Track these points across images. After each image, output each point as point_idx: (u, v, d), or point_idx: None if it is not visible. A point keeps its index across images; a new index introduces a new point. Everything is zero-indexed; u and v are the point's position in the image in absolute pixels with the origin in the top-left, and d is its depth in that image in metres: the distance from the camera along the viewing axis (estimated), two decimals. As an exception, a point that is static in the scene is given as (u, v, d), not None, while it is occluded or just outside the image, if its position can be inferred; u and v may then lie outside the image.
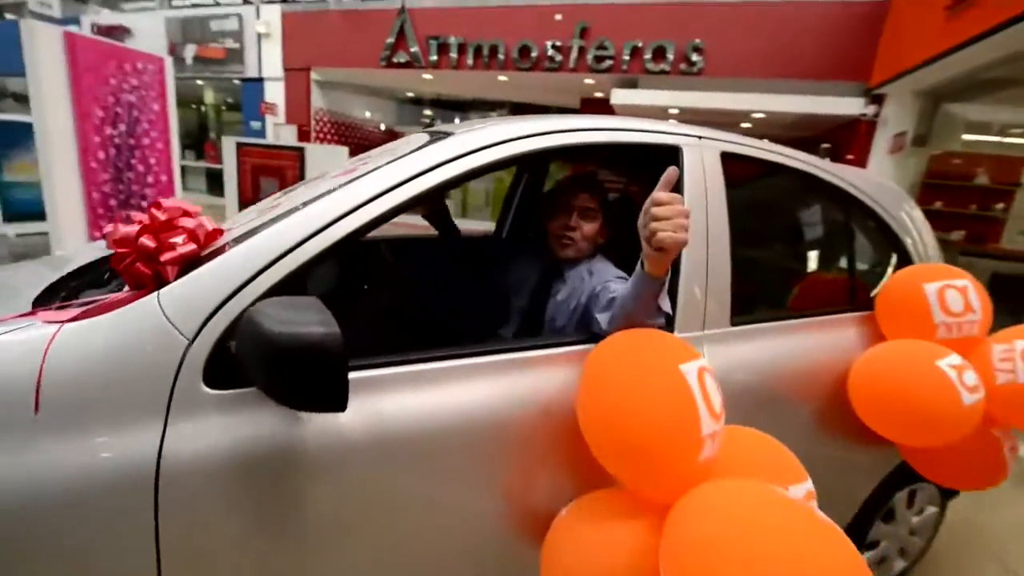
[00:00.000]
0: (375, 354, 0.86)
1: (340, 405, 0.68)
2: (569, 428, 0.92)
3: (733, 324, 1.17)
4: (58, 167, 3.48)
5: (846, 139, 7.20)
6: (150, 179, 4.26)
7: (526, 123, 1.04)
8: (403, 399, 0.85)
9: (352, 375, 0.76)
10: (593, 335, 1.04)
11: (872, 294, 1.44)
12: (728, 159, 1.22)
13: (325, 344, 0.64)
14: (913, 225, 1.57)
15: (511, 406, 0.92)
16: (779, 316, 1.28)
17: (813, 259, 1.74)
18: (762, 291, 1.59)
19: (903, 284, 1.31)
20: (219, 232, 0.93)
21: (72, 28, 4.10)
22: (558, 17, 7.94)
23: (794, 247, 1.66)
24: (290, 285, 0.79)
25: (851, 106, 6.87)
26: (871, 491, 1.44)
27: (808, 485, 0.88)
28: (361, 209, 0.86)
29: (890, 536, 1.59)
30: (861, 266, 1.55)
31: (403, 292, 1.59)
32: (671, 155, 1.16)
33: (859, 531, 1.49)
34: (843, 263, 1.50)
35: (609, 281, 1.18)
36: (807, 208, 1.66)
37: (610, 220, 1.32)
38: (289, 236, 0.81)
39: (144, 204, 4.13)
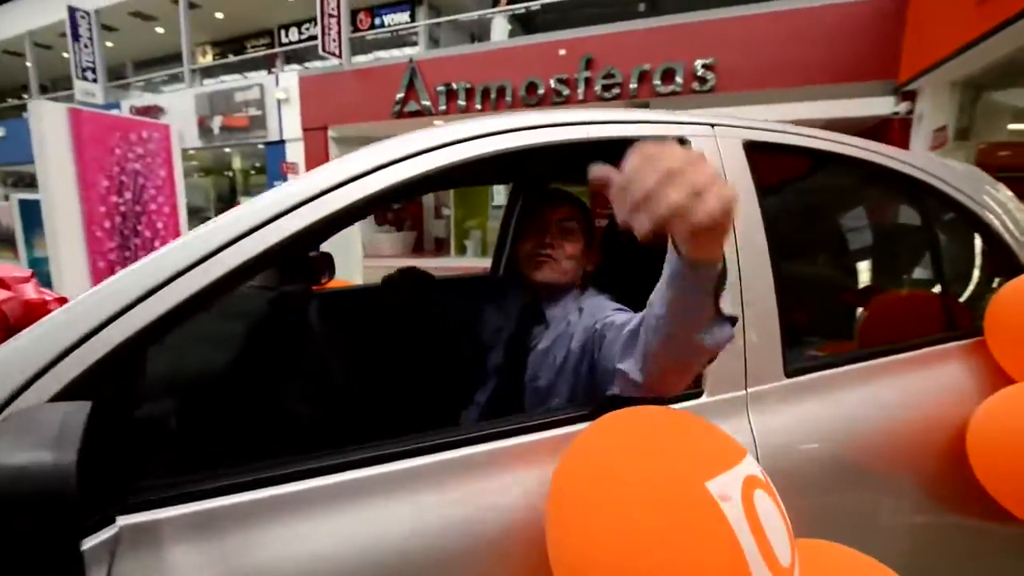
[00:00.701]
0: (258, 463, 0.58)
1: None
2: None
3: (788, 375, 0.83)
4: (63, 237, 3.54)
5: (879, 140, 6.72)
6: (157, 244, 4.26)
7: (493, 120, 0.78)
8: (280, 536, 0.55)
9: (206, 505, 0.51)
10: (597, 401, 0.72)
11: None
12: (754, 150, 0.91)
13: (43, 482, 0.36)
14: (1009, 216, 1.19)
15: (456, 538, 0.60)
16: (853, 357, 0.92)
17: (884, 273, 1.36)
18: (820, 322, 1.23)
19: (1030, 296, 0.93)
20: (55, 303, 0.68)
21: (113, 112, 4.22)
22: (562, 52, 7.94)
23: (854, 258, 1.30)
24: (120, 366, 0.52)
25: (881, 106, 6.47)
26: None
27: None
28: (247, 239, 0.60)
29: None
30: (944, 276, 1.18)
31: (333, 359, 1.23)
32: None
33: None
34: (923, 273, 1.13)
35: (609, 316, 0.89)
36: (865, 206, 1.30)
37: (605, 246, 1.03)
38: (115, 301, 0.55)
39: (151, 270, 4.08)
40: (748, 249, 0.84)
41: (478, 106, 8.65)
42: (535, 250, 1.03)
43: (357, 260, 4.83)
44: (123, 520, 0.52)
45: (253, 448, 0.67)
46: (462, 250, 11.07)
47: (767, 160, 0.92)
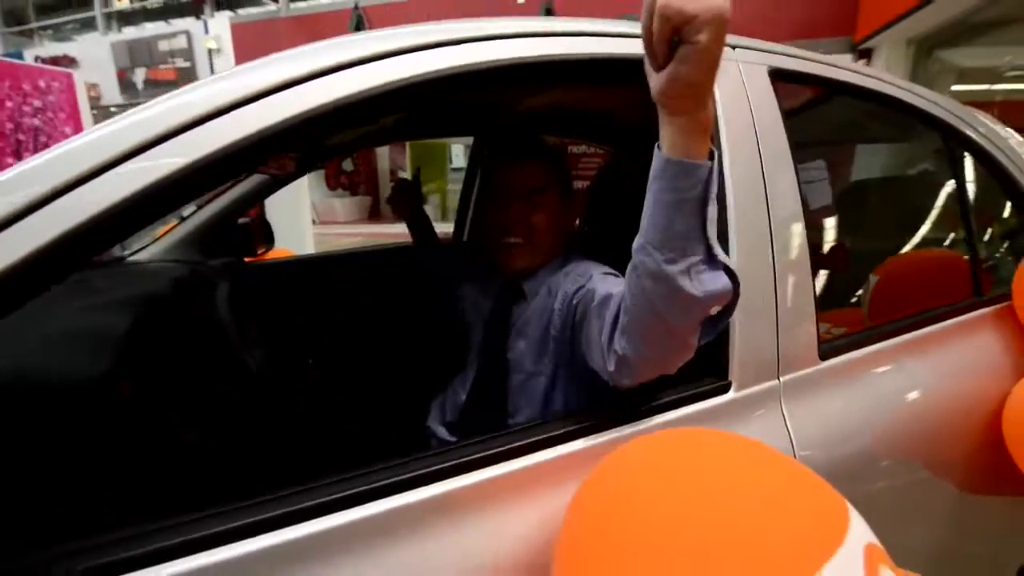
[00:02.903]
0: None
1: None
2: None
3: (823, 357, 0.68)
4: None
5: (837, 100, 6.81)
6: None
7: (431, 28, 0.56)
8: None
9: None
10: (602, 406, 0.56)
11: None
12: (781, 80, 0.73)
13: None
14: (1014, 152, 1.08)
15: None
16: (885, 332, 0.78)
17: (911, 230, 1.23)
18: (847, 290, 1.10)
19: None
20: None
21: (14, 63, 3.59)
22: (520, 1, 7.46)
23: (883, 214, 1.14)
24: None
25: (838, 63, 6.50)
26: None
27: None
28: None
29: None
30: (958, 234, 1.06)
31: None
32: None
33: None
34: (945, 232, 1.01)
35: (593, 280, 0.74)
36: (897, 152, 1.17)
37: (592, 202, 0.84)
38: None
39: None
40: (779, 206, 0.67)
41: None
42: (502, 236, 0.83)
43: (306, 227, 4.47)
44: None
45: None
46: (420, 215, 10.64)
47: (796, 92, 0.74)
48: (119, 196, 0.39)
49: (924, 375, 0.79)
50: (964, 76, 6.39)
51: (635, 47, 0.58)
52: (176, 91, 0.46)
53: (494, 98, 1.03)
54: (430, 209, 9.73)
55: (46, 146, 3.75)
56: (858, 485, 0.67)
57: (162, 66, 10.23)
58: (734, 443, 0.44)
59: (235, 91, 0.45)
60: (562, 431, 0.53)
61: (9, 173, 0.40)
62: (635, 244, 0.51)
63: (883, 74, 0.96)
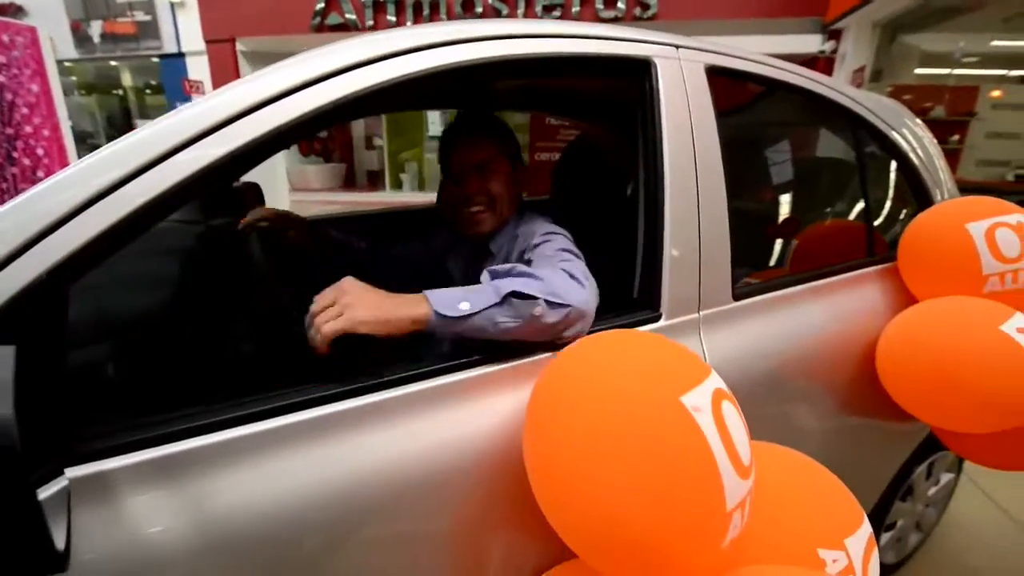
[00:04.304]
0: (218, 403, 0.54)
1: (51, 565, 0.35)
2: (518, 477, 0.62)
3: (736, 297, 0.88)
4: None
5: (805, 79, 6.99)
6: (40, 173, 3.67)
7: (446, 27, 0.70)
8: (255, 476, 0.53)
9: (161, 451, 0.48)
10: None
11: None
12: (716, 76, 0.90)
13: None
14: (926, 153, 1.30)
15: (442, 460, 0.61)
16: (789, 281, 1.00)
17: (817, 202, 1.46)
18: (762, 249, 1.31)
19: (938, 225, 1.04)
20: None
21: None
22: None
23: (792, 188, 1.37)
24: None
25: (810, 43, 6.69)
26: (896, 470, 1.23)
27: (867, 529, 0.62)
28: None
29: (907, 513, 1.40)
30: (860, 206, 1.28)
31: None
32: (640, 72, 0.84)
33: (880, 515, 1.28)
34: (849, 205, 1.23)
35: (534, 240, 0.86)
36: (810, 138, 1.37)
37: (560, 174, 1.00)
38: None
39: (36, 203, 3.56)
40: (706, 179, 0.86)
41: (409, 22, 7.93)
42: (460, 207, 0.96)
43: (283, 193, 4.48)
44: (72, 472, 0.47)
45: (204, 390, 0.63)
46: (398, 184, 10.51)
47: (728, 86, 0.92)
48: (184, 175, 0.53)
49: (818, 316, 1.00)
50: (925, 60, 6.69)
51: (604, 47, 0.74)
52: (222, 89, 0.59)
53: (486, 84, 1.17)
54: (408, 178, 9.47)
55: (13, 105, 3.62)
56: (758, 399, 0.88)
57: (120, 19, 9.63)
58: (647, 336, 0.66)
59: (267, 89, 0.59)
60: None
61: (99, 155, 0.53)
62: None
63: (814, 74, 1.13)
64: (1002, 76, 6.46)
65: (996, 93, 5.79)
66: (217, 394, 0.58)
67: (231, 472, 0.54)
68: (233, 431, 0.55)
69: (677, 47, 0.88)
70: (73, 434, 0.50)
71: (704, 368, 0.57)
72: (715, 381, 0.55)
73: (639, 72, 0.84)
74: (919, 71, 6.74)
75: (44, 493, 0.44)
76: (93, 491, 0.49)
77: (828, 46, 6.60)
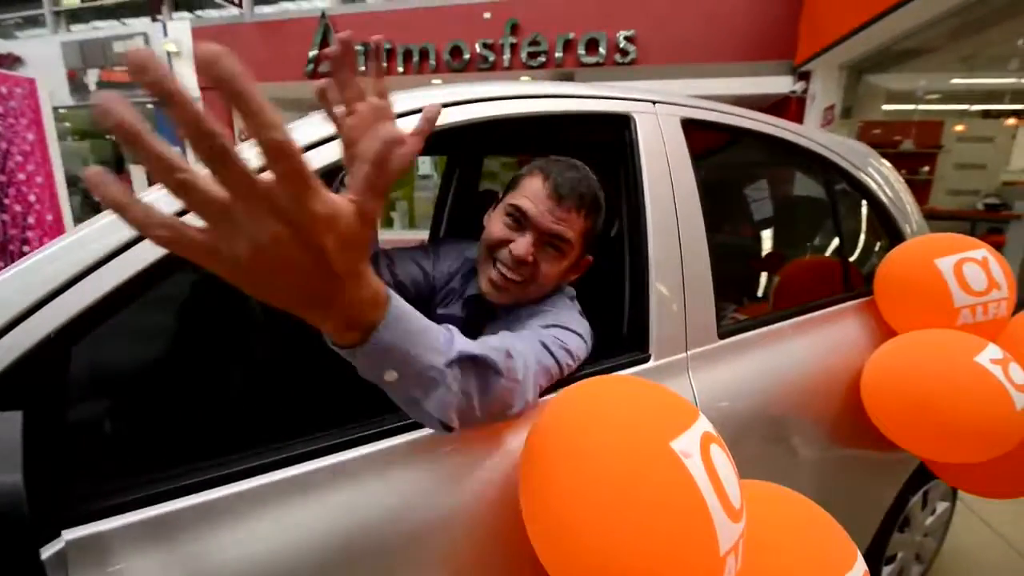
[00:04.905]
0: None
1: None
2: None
3: (721, 336, 0.91)
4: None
5: (780, 116, 7.33)
6: (31, 219, 3.68)
7: (424, 93, 0.75)
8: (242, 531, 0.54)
9: (156, 511, 0.49)
10: None
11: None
12: (690, 127, 0.96)
13: None
14: (890, 187, 1.37)
15: (434, 511, 0.61)
16: (771, 318, 1.03)
17: (793, 240, 1.53)
18: (745, 287, 1.35)
19: (910, 261, 1.09)
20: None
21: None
22: (487, 16, 7.71)
23: (770, 228, 1.44)
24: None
25: (781, 85, 7.05)
26: (891, 501, 1.23)
27: (861, 566, 0.63)
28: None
29: (906, 545, 1.39)
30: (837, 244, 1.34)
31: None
32: (620, 127, 0.90)
33: (879, 548, 1.28)
34: (825, 243, 1.28)
35: (552, 326, 0.73)
36: (782, 180, 1.45)
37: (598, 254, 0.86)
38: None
39: (25, 250, 3.57)
40: (687, 222, 0.90)
41: (400, 68, 8.23)
42: (500, 264, 0.77)
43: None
44: (69, 534, 0.47)
45: (203, 445, 0.63)
46: (388, 222, 10.66)
47: (697, 137, 0.98)
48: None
49: (801, 351, 1.03)
50: (892, 97, 7.06)
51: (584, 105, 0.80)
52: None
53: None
54: (398, 216, 9.56)
55: (7, 154, 3.67)
56: (746, 435, 0.90)
57: (117, 68, 9.92)
58: (635, 381, 0.68)
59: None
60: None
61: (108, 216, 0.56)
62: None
63: (783, 122, 1.21)
64: (963, 111, 6.82)
65: (959, 127, 6.09)
66: (209, 450, 0.58)
67: (228, 529, 0.54)
68: (226, 488, 0.55)
69: (654, 103, 0.95)
70: (71, 495, 0.50)
71: (692, 411, 0.59)
72: (703, 424, 0.57)
73: (620, 126, 0.90)
74: (886, 107, 7.11)
75: (43, 555, 0.44)
76: (89, 553, 0.49)
77: (799, 87, 6.96)
